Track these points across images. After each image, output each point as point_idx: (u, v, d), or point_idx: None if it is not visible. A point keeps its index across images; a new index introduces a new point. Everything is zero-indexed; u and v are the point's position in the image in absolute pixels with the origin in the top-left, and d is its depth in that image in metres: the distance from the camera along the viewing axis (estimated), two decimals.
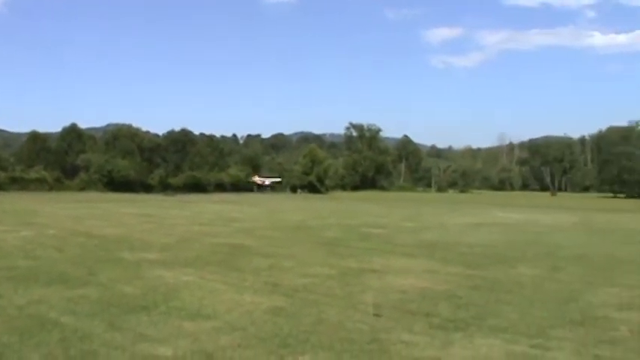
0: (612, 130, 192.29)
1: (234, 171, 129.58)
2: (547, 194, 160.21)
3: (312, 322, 11.26)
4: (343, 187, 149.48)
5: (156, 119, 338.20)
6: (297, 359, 9.04)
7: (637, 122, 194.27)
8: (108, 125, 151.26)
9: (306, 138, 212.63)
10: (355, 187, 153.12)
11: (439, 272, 17.90)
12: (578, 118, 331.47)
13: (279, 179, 78.14)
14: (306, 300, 13.30)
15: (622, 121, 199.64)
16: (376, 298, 13.43)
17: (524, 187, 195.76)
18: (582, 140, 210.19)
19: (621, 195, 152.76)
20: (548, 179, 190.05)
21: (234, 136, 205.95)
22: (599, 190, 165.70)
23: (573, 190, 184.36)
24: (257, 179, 79.46)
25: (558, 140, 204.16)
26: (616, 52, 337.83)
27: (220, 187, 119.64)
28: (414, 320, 11.55)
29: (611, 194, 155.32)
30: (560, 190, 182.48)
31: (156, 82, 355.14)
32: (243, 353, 9.25)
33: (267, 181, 70.08)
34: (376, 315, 11.86)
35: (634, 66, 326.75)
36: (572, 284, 16.49)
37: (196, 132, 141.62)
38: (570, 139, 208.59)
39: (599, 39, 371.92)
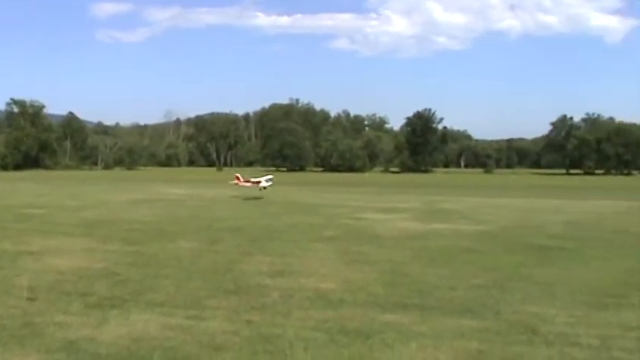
0: (275, 107, 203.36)
1: None
2: (214, 169, 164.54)
3: None
4: (4, 167, 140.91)
5: None
6: None
7: (297, 99, 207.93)
8: None
9: None
10: (17, 166, 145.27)
11: (98, 250, 17.99)
12: (243, 95, 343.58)
13: (271, 176, 63.42)
14: None
15: (284, 99, 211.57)
16: (31, 281, 13.18)
17: (191, 163, 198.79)
18: (246, 117, 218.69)
19: (283, 169, 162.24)
20: (214, 155, 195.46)
21: None
22: (263, 165, 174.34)
23: (239, 165, 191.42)
24: (241, 181, 57.59)
25: (224, 117, 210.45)
26: (279, 32, 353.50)
27: None
28: (70, 301, 11.59)
29: (274, 168, 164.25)
30: (226, 165, 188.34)
31: None
32: None
33: (264, 181, 54.04)
34: (30, 299, 11.67)
35: (294, 46, 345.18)
36: (228, 255, 17.56)
37: None
38: (235, 115, 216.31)
39: (263, 20, 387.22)
